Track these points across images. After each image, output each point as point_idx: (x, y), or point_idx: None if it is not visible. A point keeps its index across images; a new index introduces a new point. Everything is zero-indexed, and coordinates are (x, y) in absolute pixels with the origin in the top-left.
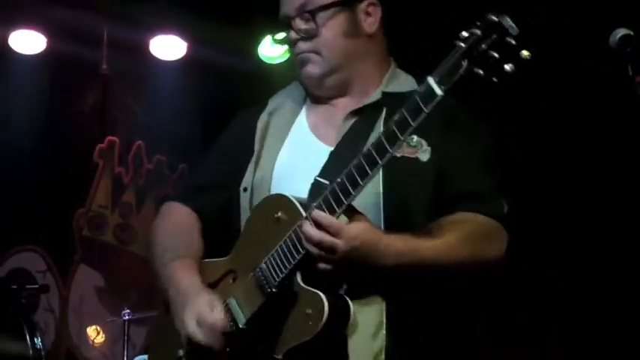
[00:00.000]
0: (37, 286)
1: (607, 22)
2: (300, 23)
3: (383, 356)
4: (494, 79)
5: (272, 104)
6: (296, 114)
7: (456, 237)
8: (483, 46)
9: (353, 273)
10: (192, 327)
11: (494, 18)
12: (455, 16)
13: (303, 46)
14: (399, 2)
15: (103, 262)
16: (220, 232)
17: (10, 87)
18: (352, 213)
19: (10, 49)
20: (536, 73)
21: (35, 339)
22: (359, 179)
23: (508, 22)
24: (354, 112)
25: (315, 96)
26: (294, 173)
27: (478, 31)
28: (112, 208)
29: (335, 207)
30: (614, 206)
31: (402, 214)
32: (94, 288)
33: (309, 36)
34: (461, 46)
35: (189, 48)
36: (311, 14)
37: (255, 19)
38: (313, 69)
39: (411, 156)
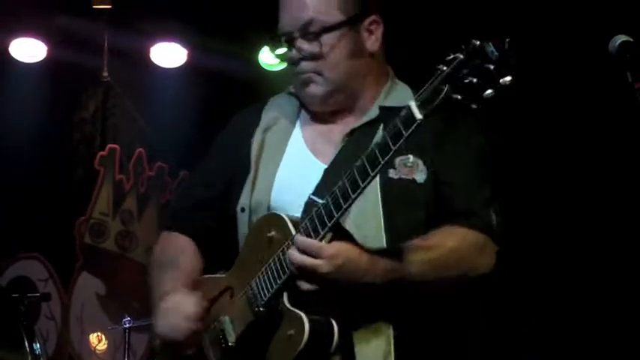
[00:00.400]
0: (38, 294)
1: (607, 29)
2: (302, 42)
3: None
4: (473, 105)
5: (265, 119)
6: (290, 130)
7: (443, 253)
8: (464, 71)
9: (340, 293)
10: (161, 323)
11: (477, 43)
12: (453, 24)
13: (305, 66)
14: (397, 15)
15: (105, 270)
16: (219, 249)
17: (11, 95)
18: (338, 232)
19: (10, 57)
20: (535, 80)
21: (34, 345)
22: (342, 202)
23: (490, 47)
24: (353, 131)
25: (314, 112)
26: (293, 194)
27: (461, 56)
28: (113, 216)
29: (319, 228)
30: (619, 213)
31: (404, 236)
32: (96, 295)
33: (313, 57)
34: (443, 71)
35: (189, 55)
36: (316, 36)
37: (255, 26)
38: (316, 90)
39: (408, 177)
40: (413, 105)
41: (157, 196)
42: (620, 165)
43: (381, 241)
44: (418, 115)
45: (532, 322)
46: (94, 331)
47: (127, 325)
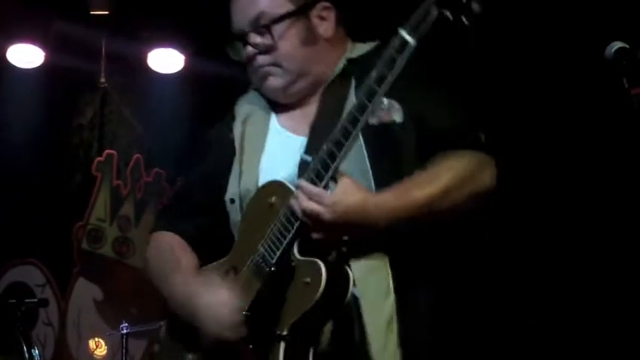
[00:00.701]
0: (35, 300)
1: (603, 35)
2: (255, 37)
3: (395, 319)
4: (464, 21)
5: (241, 112)
6: (267, 119)
7: (446, 179)
8: None
9: (350, 239)
10: (206, 323)
11: None
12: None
13: (261, 59)
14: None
15: (102, 276)
16: (212, 246)
17: (8, 101)
18: (339, 179)
19: (8, 63)
20: (531, 87)
21: (32, 351)
22: (343, 140)
23: None
24: (326, 90)
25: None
26: (280, 173)
27: None
28: (110, 222)
29: (323, 173)
30: (618, 217)
31: (393, 181)
32: (93, 301)
33: (267, 49)
34: None
35: (186, 61)
36: (266, 28)
37: None
38: (275, 82)
39: (388, 120)
40: (403, 32)
41: (154, 202)
42: (619, 171)
43: (371, 189)
44: (411, 40)
45: (532, 322)
46: (91, 337)
47: (125, 330)
